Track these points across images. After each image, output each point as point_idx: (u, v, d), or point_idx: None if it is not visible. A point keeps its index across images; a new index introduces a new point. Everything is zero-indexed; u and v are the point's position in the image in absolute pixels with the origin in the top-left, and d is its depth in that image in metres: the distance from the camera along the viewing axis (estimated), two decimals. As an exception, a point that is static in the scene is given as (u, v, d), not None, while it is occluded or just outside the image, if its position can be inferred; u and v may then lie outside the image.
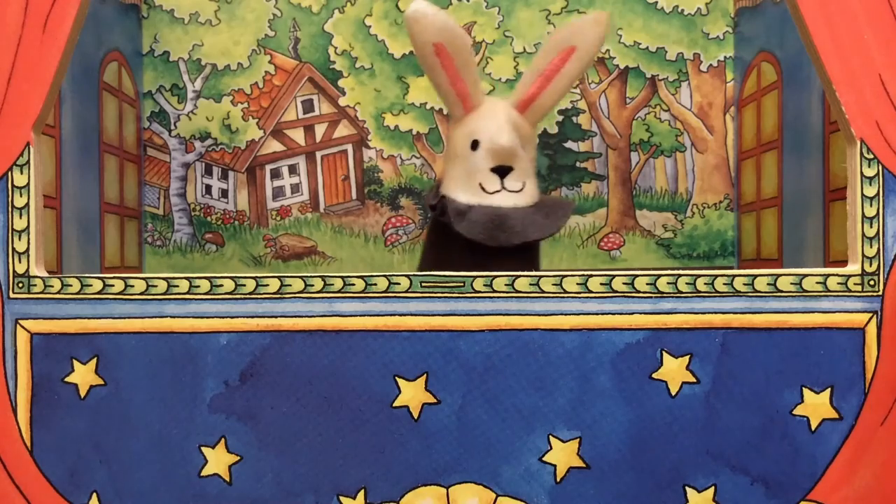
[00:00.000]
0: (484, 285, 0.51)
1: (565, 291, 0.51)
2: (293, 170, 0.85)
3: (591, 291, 0.51)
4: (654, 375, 0.51)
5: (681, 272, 0.51)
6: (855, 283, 0.51)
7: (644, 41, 0.84)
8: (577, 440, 0.51)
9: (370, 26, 0.84)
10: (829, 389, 0.51)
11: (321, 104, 0.85)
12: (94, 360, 0.52)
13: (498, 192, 0.64)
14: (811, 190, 0.69)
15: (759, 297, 0.51)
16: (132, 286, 0.52)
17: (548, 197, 0.68)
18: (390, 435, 0.51)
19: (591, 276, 0.51)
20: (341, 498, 0.51)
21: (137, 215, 0.83)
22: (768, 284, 0.51)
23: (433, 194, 0.67)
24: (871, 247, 0.51)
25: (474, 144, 0.64)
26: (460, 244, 0.63)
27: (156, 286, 0.51)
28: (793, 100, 0.73)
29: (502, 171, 0.64)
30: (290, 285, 0.51)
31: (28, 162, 0.52)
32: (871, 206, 0.51)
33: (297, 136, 0.85)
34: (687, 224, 0.85)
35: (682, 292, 0.51)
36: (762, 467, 0.51)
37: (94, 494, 0.52)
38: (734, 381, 0.51)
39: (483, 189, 0.64)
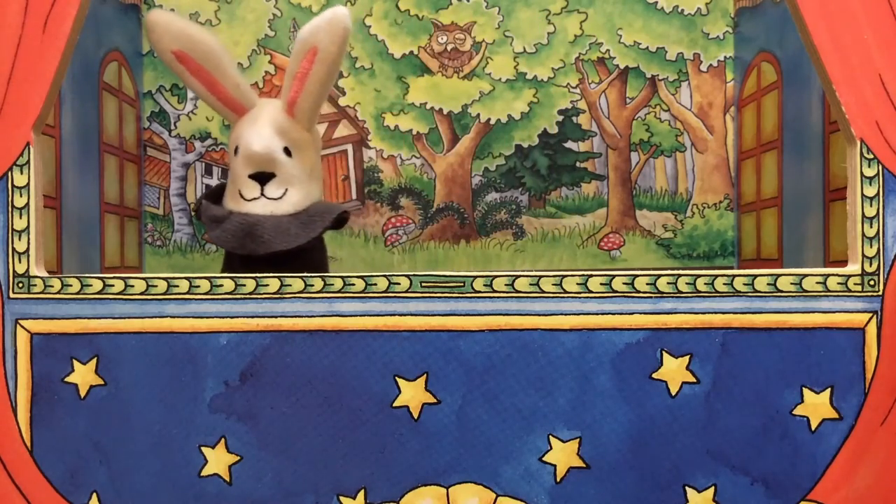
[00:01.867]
0: (484, 285, 0.51)
1: (565, 291, 0.51)
2: (293, 170, 0.85)
3: (591, 291, 0.51)
4: (654, 375, 0.51)
5: (681, 272, 0.51)
6: (855, 283, 0.51)
7: (644, 41, 0.84)
8: (577, 440, 0.51)
9: (370, 26, 0.84)
10: (829, 389, 0.51)
11: (321, 104, 0.85)
12: (94, 360, 0.52)
13: (256, 199, 0.63)
14: (811, 190, 0.69)
15: (759, 297, 0.51)
16: (132, 286, 0.52)
17: (320, 204, 0.65)
18: (390, 435, 0.51)
19: (591, 276, 0.51)
20: (341, 498, 0.51)
21: (137, 215, 0.83)
22: (768, 284, 0.51)
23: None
24: (871, 247, 0.51)
25: (236, 150, 0.64)
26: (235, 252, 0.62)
27: (156, 286, 0.51)
28: (793, 100, 0.73)
29: (263, 178, 0.63)
30: (290, 285, 0.51)
31: (28, 162, 0.52)
32: (871, 206, 0.51)
33: (297, 136, 0.85)
34: (687, 224, 0.85)
35: (682, 292, 0.51)
36: (762, 467, 0.51)
37: (94, 494, 0.52)
38: (734, 381, 0.51)
39: (242, 196, 0.63)
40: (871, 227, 0.51)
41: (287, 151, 0.64)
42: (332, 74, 0.63)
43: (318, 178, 0.66)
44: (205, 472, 0.52)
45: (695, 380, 0.51)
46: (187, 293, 0.51)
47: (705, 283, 0.51)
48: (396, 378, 0.51)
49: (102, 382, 0.52)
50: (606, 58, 0.85)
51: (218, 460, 0.52)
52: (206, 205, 0.63)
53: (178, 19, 0.62)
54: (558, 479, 0.51)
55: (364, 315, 0.51)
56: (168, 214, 0.85)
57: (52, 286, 0.52)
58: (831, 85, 0.51)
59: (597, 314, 0.51)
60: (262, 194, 0.63)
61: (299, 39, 0.63)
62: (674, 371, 0.51)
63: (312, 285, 0.51)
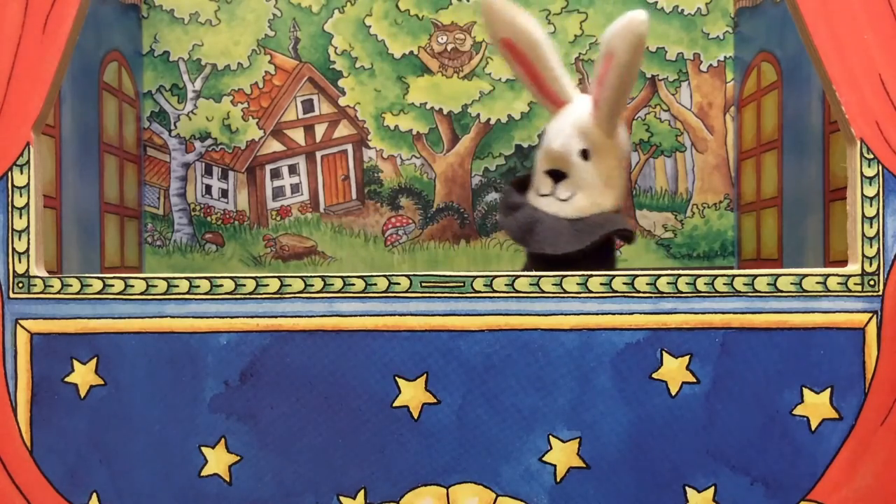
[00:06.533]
0: (484, 285, 0.51)
1: (565, 291, 0.51)
2: (293, 170, 0.85)
3: (591, 291, 0.51)
4: (654, 375, 0.51)
5: (681, 272, 0.51)
6: (855, 283, 0.51)
7: (644, 41, 0.84)
8: (577, 440, 0.51)
9: (370, 26, 0.84)
10: (829, 389, 0.51)
11: (321, 104, 0.85)
12: (94, 360, 0.52)
13: (547, 195, 0.62)
14: (811, 190, 0.69)
15: (759, 297, 0.51)
16: (132, 286, 0.52)
17: (603, 215, 0.62)
18: (390, 435, 0.51)
19: (591, 276, 0.51)
20: (341, 498, 0.51)
21: (137, 215, 0.83)
22: (768, 284, 0.51)
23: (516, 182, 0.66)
24: (871, 247, 0.51)
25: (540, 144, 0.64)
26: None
27: (156, 286, 0.51)
28: (793, 100, 0.73)
29: (557, 176, 0.62)
30: (290, 285, 0.51)
31: (28, 162, 0.52)
32: (871, 206, 0.51)
33: (297, 136, 0.85)
34: (687, 224, 0.85)
35: (682, 292, 0.51)
36: (762, 467, 0.51)
37: (94, 494, 0.52)
38: (734, 381, 0.51)
39: (537, 190, 0.64)
40: (871, 227, 0.51)
41: (585, 154, 0.62)
42: (624, 81, 0.60)
43: (614, 187, 0.63)
44: (205, 472, 0.52)
45: (695, 380, 0.51)
46: (187, 293, 0.51)
47: (705, 283, 0.51)
48: (396, 378, 0.51)
49: (102, 382, 0.52)
50: (606, 58, 0.84)
51: (218, 460, 0.52)
52: (507, 190, 0.63)
53: (511, 7, 0.61)
54: (558, 479, 0.51)
55: (364, 315, 0.51)
56: (168, 214, 0.85)
57: (52, 286, 0.52)
58: (831, 85, 0.51)
59: (597, 314, 0.51)
60: (553, 193, 0.62)
61: (602, 42, 0.61)
62: (674, 371, 0.51)
63: (312, 285, 0.51)
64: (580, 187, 0.62)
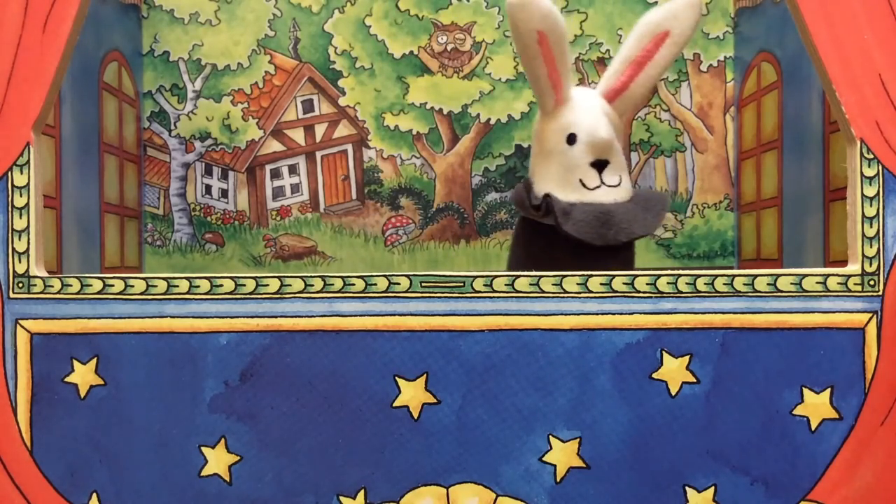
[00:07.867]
0: (484, 285, 0.51)
1: (565, 291, 0.51)
2: (293, 170, 0.85)
3: (591, 291, 0.51)
4: (654, 375, 0.51)
5: (681, 272, 0.51)
6: (855, 283, 0.51)
7: (644, 41, 0.84)
8: (577, 440, 0.51)
9: (370, 26, 0.84)
10: (829, 389, 0.51)
11: (321, 104, 0.85)
12: (94, 360, 0.52)
13: (598, 187, 0.63)
14: (811, 190, 0.69)
15: (759, 297, 0.51)
16: (132, 286, 0.52)
17: (641, 190, 0.65)
18: (390, 435, 0.51)
19: (591, 276, 0.51)
20: (341, 498, 0.51)
21: (137, 215, 0.83)
22: (768, 284, 0.51)
23: (529, 194, 0.65)
24: (871, 247, 0.51)
25: (571, 139, 0.63)
26: (558, 244, 0.62)
27: (156, 286, 0.51)
28: (793, 100, 0.73)
29: (599, 166, 0.63)
30: (290, 285, 0.51)
31: (28, 162, 0.52)
32: (871, 206, 0.51)
33: (297, 136, 0.85)
34: (687, 224, 0.85)
35: (682, 292, 0.51)
36: (762, 467, 0.51)
37: (94, 494, 0.52)
38: (734, 381, 0.51)
39: (584, 185, 0.63)
40: (871, 227, 0.51)
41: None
42: (673, 61, 0.64)
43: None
44: (205, 472, 0.52)
45: (695, 380, 0.51)
46: (187, 293, 0.51)
47: (705, 283, 0.51)
48: (396, 378, 0.51)
49: (102, 382, 0.52)
50: (606, 58, 0.85)
51: (218, 460, 0.52)
52: (554, 198, 0.62)
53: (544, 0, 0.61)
54: (558, 479, 0.51)
55: (364, 315, 0.51)
56: (168, 214, 0.85)
57: (52, 286, 0.52)
58: (831, 85, 0.51)
59: (597, 314, 0.51)
60: (602, 182, 0.63)
61: (646, 24, 0.63)
62: (674, 371, 0.51)
63: (312, 285, 0.51)
64: (621, 170, 0.64)
